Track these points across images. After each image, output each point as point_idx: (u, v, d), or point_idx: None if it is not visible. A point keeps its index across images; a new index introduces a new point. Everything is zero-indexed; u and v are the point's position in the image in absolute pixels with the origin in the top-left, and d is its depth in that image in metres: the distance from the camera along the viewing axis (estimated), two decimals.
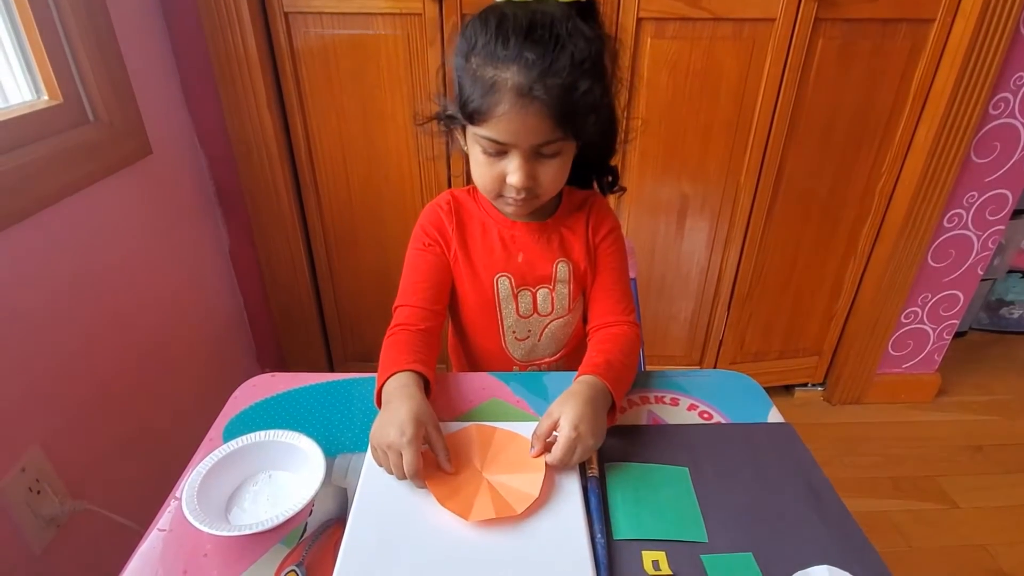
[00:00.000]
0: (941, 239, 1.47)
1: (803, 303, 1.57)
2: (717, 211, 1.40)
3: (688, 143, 1.31)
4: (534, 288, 0.77)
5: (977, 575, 1.25)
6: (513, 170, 0.64)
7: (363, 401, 0.69)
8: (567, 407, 0.60)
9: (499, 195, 0.68)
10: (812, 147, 1.33)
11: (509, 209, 0.71)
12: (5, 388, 0.80)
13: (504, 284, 0.76)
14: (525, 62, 0.58)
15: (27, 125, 0.87)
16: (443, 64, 0.66)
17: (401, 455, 0.55)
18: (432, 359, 0.70)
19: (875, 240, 1.48)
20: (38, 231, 0.85)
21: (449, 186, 1.34)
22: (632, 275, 0.98)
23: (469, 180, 1.37)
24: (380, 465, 0.58)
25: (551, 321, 0.79)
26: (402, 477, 0.56)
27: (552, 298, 0.78)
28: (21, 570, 0.81)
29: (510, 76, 0.59)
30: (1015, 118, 1.33)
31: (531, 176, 0.64)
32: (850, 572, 0.51)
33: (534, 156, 0.64)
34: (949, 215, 1.44)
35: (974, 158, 1.37)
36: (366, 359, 1.59)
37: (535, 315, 0.78)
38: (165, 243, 1.18)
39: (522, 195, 0.66)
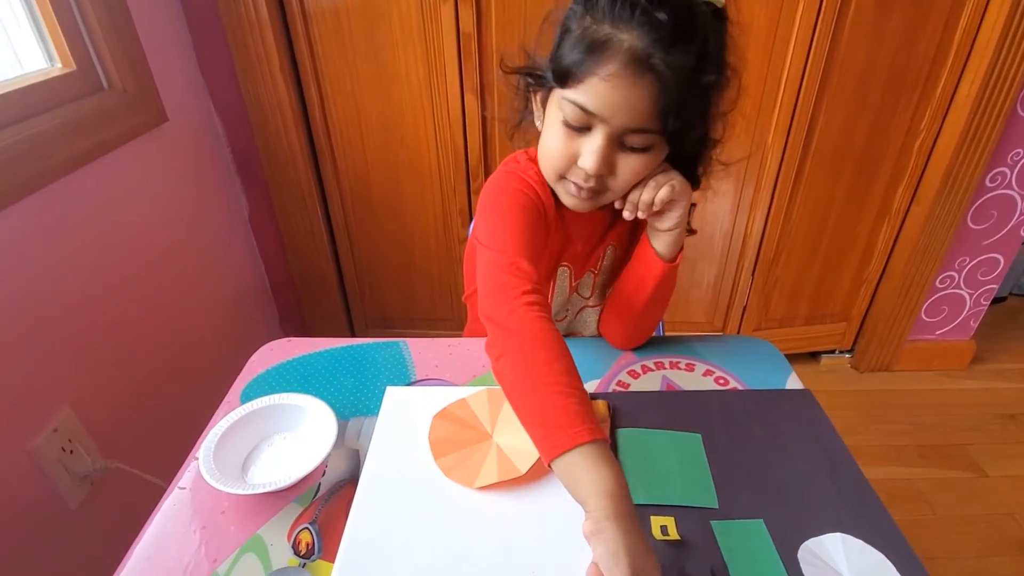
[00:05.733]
0: (982, 199, 1.40)
1: (832, 267, 1.52)
2: (743, 172, 1.35)
3: None
4: (581, 275, 0.74)
5: (1003, 543, 1.22)
6: (590, 151, 0.54)
7: (376, 365, 0.70)
8: None
9: (562, 177, 0.59)
10: (846, 103, 1.26)
11: (570, 200, 0.60)
12: (36, 353, 0.83)
13: (563, 274, 0.72)
14: (653, 25, 0.49)
15: (42, 93, 0.87)
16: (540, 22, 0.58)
17: None
18: None
19: (911, 200, 1.42)
20: (58, 199, 0.87)
21: (465, 150, 1.32)
22: None
23: (486, 146, 1.34)
24: None
25: (586, 308, 0.77)
26: None
27: (593, 283, 0.74)
28: (59, 523, 0.86)
29: (629, 38, 0.50)
30: None
31: (607, 163, 0.55)
32: (865, 540, 0.51)
33: (618, 142, 0.55)
34: (992, 174, 1.36)
35: (1020, 112, 1.28)
36: (386, 325, 1.60)
37: (576, 295, 0.76)
38: (186, 209, 1.19)
39: (590, 182, 0.57)
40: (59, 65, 0.93)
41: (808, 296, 1.56)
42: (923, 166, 1.37)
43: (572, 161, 0.57)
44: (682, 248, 0.64)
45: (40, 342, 0.83)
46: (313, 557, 0.49)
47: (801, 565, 0.49)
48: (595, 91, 0.52)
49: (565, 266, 0.71)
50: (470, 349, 0.72)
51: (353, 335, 1.64)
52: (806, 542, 0.51)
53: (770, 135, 1.29)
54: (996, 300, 1.64)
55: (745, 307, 1.55)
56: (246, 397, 0.65)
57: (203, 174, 1.27)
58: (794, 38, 1.17)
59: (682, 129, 0.53)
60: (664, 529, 0.51)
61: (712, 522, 0.52)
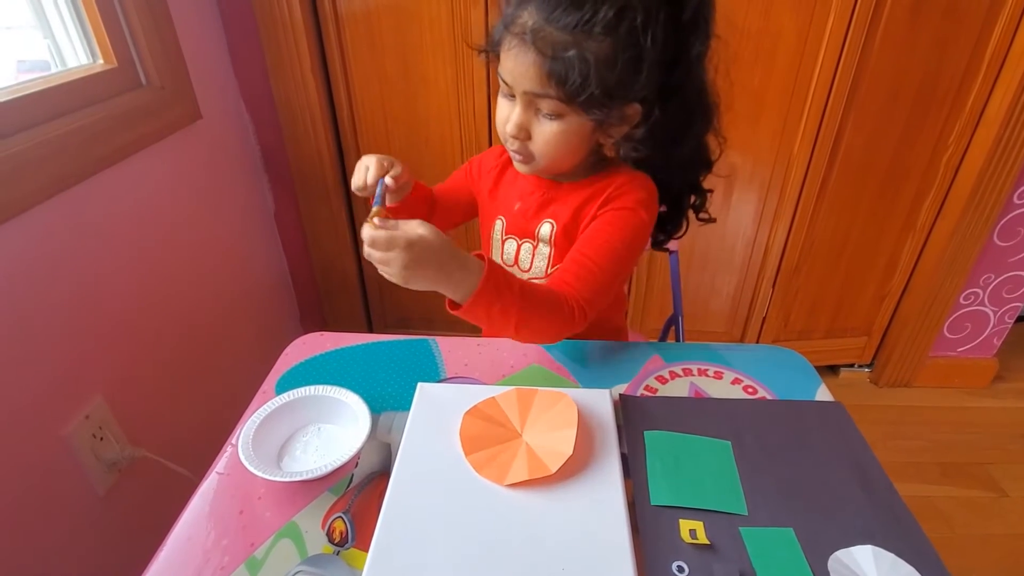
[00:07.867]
0: (1009, 216, 1.39)
1: (854, 280, 1.51)
2: (767, 182, 1.35)
3: (738, 109, 1.25)
4: (520, 240, 0.76)
5: (1022, 565, 1.21)
6: (509, 118, 0.64)
7: (406, 362, 0.71)
8: (420, 225, 0.55)
9: (506, 141, 0.68)
10: (874, 115, 1.26)
11: (515, 164, 0.70)
12: (70, 342, 0.85)
13: (498, 226, 0.78)
14: (540, 5, 0.57)
15: (85, 89, 0.89)
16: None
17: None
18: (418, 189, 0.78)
19: (937, 215, 1.41)
20: (96, 193, 0.89)
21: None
22: (673, 248, 0.95)
23: None
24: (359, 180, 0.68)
25: (528, 279, 0.77)
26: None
27: (532, 255, 0.76)
28: (88, 508, 0.87)
29: (525, 15, 0.58)
30: None
31: (523, 128, 0.63)
32: (896, 554, 0.50)
33: (533, 109, 0.62)
34: (1020, 191, 1.35)
35: None
36: (406, 325, 1.61)
37: (515, 267, 0.78)
38: (215, 206, 1.21)
39: (514, 145, 0.65)
40: (101, 62, 0.95)
41: (829, 308, 1.55)
42: (950, 181, 1.36)
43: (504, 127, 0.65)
44: (478, 299, 0.58)
45: (76, 331, 0.85)
46: (347, 545, 0.50)
47: None
48: (505, 64, 0.61)
49: (501, 219, 0.78)
50: (499, 349, 0.73)
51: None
52: (836, 553, 0.50)
53: (796, 144, 1.28)
54: (1020, 318, 1.62)
55: (764, 318, 1.55)
56: (281, 388, 0.66)
57: (233, 170, 1.29)
58: (824, 48, 1.17)
59: (575, 92, 0.57)
60: (693, 533, 0.51)
61: (741, 528, 0.52)
